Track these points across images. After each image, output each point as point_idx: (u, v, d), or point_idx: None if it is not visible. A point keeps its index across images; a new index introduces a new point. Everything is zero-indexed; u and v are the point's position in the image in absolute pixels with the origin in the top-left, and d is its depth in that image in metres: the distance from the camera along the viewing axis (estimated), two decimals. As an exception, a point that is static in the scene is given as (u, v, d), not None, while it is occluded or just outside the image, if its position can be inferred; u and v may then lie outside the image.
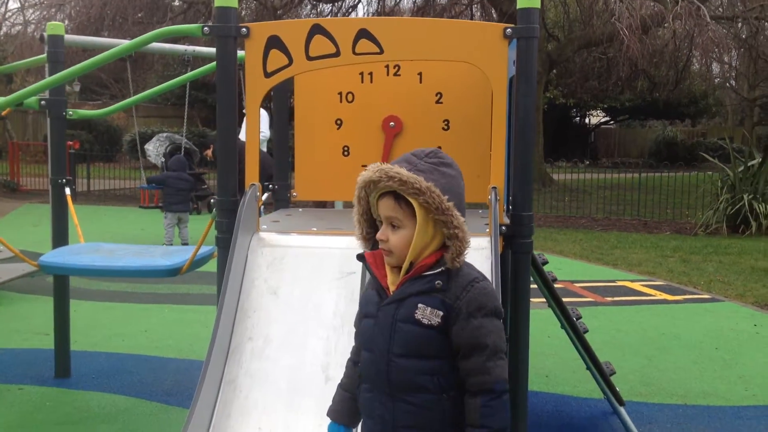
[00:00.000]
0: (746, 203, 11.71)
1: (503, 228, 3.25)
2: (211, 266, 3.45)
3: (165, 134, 13.12)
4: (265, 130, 9.57)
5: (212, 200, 3.38)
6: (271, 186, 4.37)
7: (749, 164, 12.20)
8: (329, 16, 19.80)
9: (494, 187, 3.24)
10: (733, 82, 35.65)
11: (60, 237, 4.40)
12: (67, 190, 4.43)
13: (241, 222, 3.09)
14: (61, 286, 4.54)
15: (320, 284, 3.08)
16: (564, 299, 6.70)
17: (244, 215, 3.11)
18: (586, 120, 37.96)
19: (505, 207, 3.66)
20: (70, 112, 4.49)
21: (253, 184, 3.27)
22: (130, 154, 18.81)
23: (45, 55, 4.46)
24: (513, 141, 3.53)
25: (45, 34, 4.42)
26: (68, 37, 4.63)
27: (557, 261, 9.06)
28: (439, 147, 4.13)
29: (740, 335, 5.78)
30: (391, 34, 3.28)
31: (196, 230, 9.87)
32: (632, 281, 7.88)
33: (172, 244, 9.61)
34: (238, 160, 3.35)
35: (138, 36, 3.66)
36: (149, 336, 5.43)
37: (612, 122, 37.74)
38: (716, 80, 34.30)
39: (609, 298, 6.98)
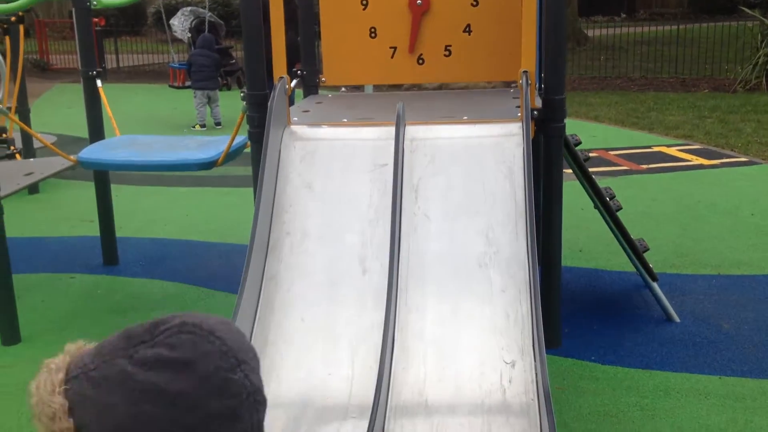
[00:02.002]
0: (787, 57, 11.34)
1: (535, 113, 3.22)
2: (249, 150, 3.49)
3: (189, 8, 12.87)
4: None
5: (243, 93, 3.39)
6: (299, 72, 4.34)
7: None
8: None
9: (525, 71, 3.19)
10: None
11: (96, 131, 4.45)
12: (99, 82, 4.45)
13: (272, 117, 3.10)
14: (101, 176, 4.63)
15: (354, 177, 3.12)
16: (599, 168, 6.74)
17: (274, 110, 3.12)
18: (623, -31, 36.31)
19: (537, 87, 3.62)
20: (95, 2, 4.43)
21: (282, 77, 3.26)
22: (156, 26, 18.57)
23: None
24: (544, 22, 3.45)
25: None
26: None
27: (592, 127, 8.96)
28: (468, 25, 4.10)
29: (777, 200, 5.76)
30: None
31: (226, 107, 9.88)
32: (668, 146, 7.79)
33: (204, 125, 9.67)
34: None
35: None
36: (191, 220, 5.57)
37: (650, -30, 36.05)
38: None
39: (644, 166, 6.94)
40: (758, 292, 4.08)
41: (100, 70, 4.46)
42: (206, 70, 9.68)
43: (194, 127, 9.74)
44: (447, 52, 4.17)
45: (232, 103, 9.34)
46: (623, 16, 29.77)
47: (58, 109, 11.45)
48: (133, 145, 4.00)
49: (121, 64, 17.76)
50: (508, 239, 2.91)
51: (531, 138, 3.12)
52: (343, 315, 2.82)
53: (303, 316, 2.84)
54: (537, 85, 3.61)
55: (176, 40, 12.92)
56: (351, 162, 3.17)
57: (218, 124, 9.79)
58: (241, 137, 3.93)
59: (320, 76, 4.30)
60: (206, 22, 11.82)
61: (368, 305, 2.82)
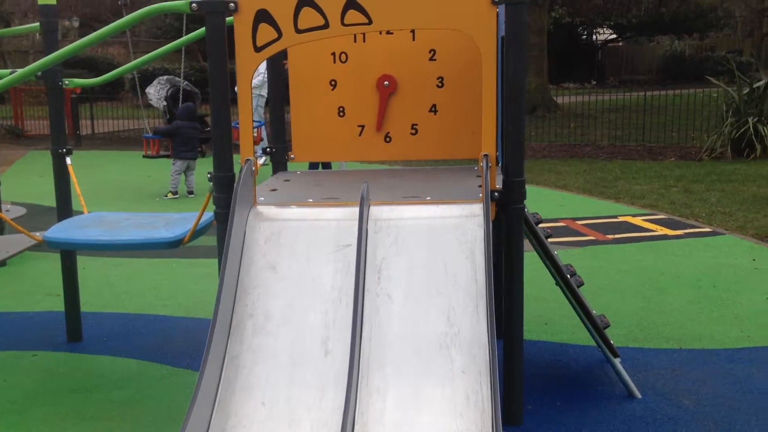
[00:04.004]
0: (751, 126, 11.65)
1: (495, 194, 3.31)
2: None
3: (165, 77, 13.01)
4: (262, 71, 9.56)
5: (209, 174, 3.44)
6: (269, 149, 4.42)
7: (755, 86, 12.07)
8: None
9: (486, 155, 3.29)
10: (742, -7, 34.86)
11: (64, 208, 4.47)
12: (68, 160, 4.48)
13: (237, 198, 3.15)
14: (68, 251, 4.63)
15: (318, 257, 3.16)
16: (566, 238, 6.84)
17: (240, 192, 3.17)
18: (593, 38, 37.35)
19: (499, 164, 3.71)
20: (66, 82, 4.50)
21: (248, 159, 3.33)
22: (133, 92, 18.71)
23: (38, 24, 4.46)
24: (504, 106, 3.56)
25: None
26: None
27: (560, 197, 9.12)
28: (434, 104, 4.22)
29: (738, 271, 5.87)
30: (379, 3, 3.28)
31: (201, 175, 9.92)
32: (634, 216, 7.94)
33: (177, 193, 9.71)
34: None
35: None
36: (158, 294, 5.56)
37: (619, 39, 37.14)
38: (725, -9, 33.56)
39: (610, 236, 7.05)
40: (719, 366, 4.13)
41: (70, 147, 4.49)
42: (193, 142, 9.78)
43: (166, 195, 9.77)
44: (413, 131, 4.28)
45: (207, 169, 9.39)
46: (593, 83, 30.52)
47: (30, 178, 11.45)
48: (100, 224, 4.02)
49: (96, 131, 17.84)
50: (469, 320, 2.95)
51: (492, 219, 3.20)
52: (305, 398, 2.83)
53: (264, 400, 2.85)
54: (499, 162, 3.71)
55: (150, 107, 13.01)
56: (315, 243, 3.21)
57: (191, 192, 9.83)
58: (209, 214, 3.97)
59: (289, 152, 4.38)
60: (181, 91, 11.98)
61: (330, 388, 2.84)
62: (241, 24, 3.29)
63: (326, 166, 8.59)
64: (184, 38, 4.77)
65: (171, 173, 9.83)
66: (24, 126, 18.35)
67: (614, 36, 36.70)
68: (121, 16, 3.97)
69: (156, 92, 12.84)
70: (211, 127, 3.39)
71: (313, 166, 8.30)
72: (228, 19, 3.31)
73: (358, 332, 2.86)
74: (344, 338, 2.90)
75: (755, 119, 11.70)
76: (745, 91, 12.02)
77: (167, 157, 10.45)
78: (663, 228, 7.35)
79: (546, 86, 19.57)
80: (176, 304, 5.31)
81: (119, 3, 7.43)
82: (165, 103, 12.19)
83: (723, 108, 12.41)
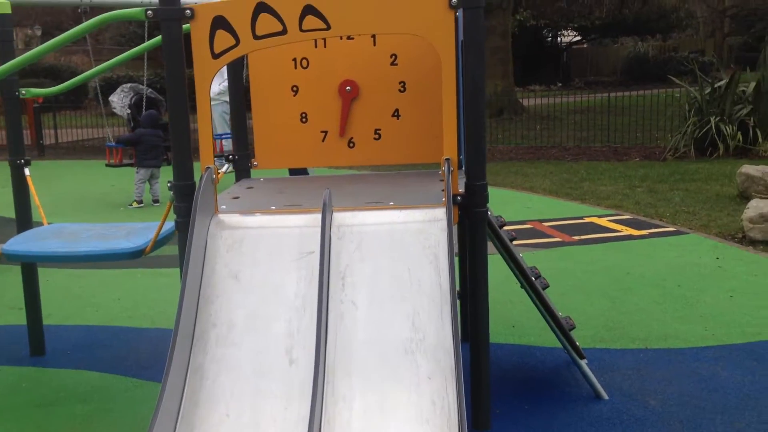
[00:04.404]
0: (713, 126, 11.80)
1: (458, 198, 3.30)
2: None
3: (129, 85, 12.88)
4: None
5: (170, 183, 3.40)
6: (231, 156, 4.38)
7: (716, 85, 12.23)
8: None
9: (447, 159, 3.28)
10: (703, -6, 35.40)
11: (24, 220, 4.39)
12: (27, 171, 4.41)
13: (197, 207, 3.11)
14: (28, 265, 4.55)
15: (280, 265, 3.13)
16: (533, 240, 6.88)
17: (200, 200, 3.13)
18: (558, 40, 37.69)
19: (462, 170, 3.71)
20: (23, 92, 4.43)
21: (208, 168, 3.29)
22: (97, 100, 18.50)
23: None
24: (464, 110, 3.56)
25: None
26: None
27: (527, 199, 9.17)
28: (397, 109, 4.21)
29: (703, 270, 5.93)
30: (337, 8, 3.26)
31: (164, 182, 9.84)
32: (600, 216, 8.00)
33: (142, 201, 9.60)
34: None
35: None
36: (122, 304, 5.48)
37: (583, 41, 37.52)
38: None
39: (576, 237, 7.10)
40: (684, 366, 4.16)
41: (28, 159, 4.42)
42: (157, 150, 9.68)
43: (131, 204, 9.66)
44: (377, 136, 4.27)
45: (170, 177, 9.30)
46: (559, 85, 30.79)
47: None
48: (60, 235, 3.96)
49: (60, 140, 17.60)
50: (434, 325, 2.94)
51: (454, 223, 3.19)
52: (270, 409, 2.80)
53: (229, 411, 2.81)
54: (462, 166, 3.71)
55: (113, 115, 12.90)
56: (278, 250, 3.18)
57: (156, 201, 9.73)
58: (171, 223, 3.92)
59: (252, 160, 4.34)
60: (145, 98, 11.86)
61: (295, 397, 2.81)
62: (198, 31, 3.25)
63: (302, 171, 8.48)
64: (143, 45, 4.71)
65: (135, 182, 9.72)
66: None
67: (578, 38, 37.06)
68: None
69: (120, 100, 12.70)
70: (171, 136, 3.35)
71: (294, 172, 8.20)
72: (185, 26, 3.27)
73: (323, 340, 2.84)
74: (309, 346, 2.88)
75: (717, 118, 11.86)
76: (707, 91, 12.18)
77: (131, 165, 10.35)
78: (628, 228, 7.41)
79: (512, 89, 19.70)
80: (140, 314, 5.24)
81: (79, 11, 7.36)
82: (129, 111, 12.06)
83: (686, 108, 12.57)
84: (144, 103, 11.63)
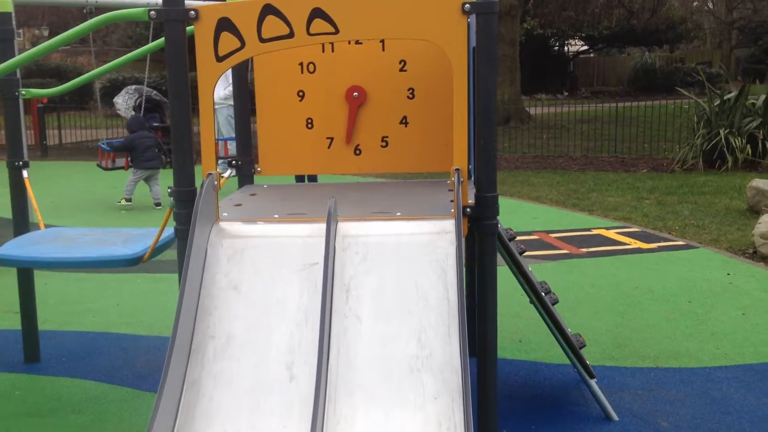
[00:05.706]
0: (722, 138, 11.68)
1: (468, 210, 3.20)
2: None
3: (134, 87, 12.85)
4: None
5: (170, 189, 3.30)
6: (234, 162, 4.28)
7: (725, 97, 12.11)
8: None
9: (458, 169, 3.17)
10: (711, 5, 35.36)
11: (21, 223, 4.29)
12: (25, 173, 4.31)
13: (198, 214, 3.00)
14: (24, 269, 4.45)
15: (283, 276, 3.01)
16: (540, 252, 6.76)
17: (201, 208, 3.03)
18: (565, 49, 37.61)
19: (472, 180, 3.60)
20: (23, 92, 4.33)
21: (210, 174, 3.18)
22: (102, 101, 18.47)
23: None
24: (475, 119, 3.45)
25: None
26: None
27: (533, 209, 9.05)
28: (405, 116, 4.11)
29: (713, 286, 5.81)
30: (346, 12, 3.15)
31: (166, 187, 9.75)
32: (608, 228, 7.88)
33: (131, 200, 9.56)
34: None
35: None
36: (120, 310, 5.37)
37: (591, 51, 37.44)
38: (694, 3, 34.03)
39: (584, 249, 6.98)
40: (695, 386, 4.04)
41: (26, 160, 4.32)
42: (152, 151, 9.61)
43: (119, 201, 9.63)
44: (384, 143, 4.16)
45: (171, 182, 9.22)
46: (566, 94, 30.71)
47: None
48: (56, 240, 3.85)
49: (64, 140, 17.52)
50: (441, 342, 2.82)
51: (464, 235, 3.08)
52: (269, 426, 2.68)
53: (226, 428, 2.70)
54: (472, 176, 3.60)
55: (113, 115, 12.88)
56: (280, 261, 3.07)
57: (158, 204, 9.62)
58: (170, 230, 3.82)
59: (256, 165, 4.24)
60: (148, 100, 11.82)
61: (295, 415, 2.70)
62: (202, 33, 3.15)
63: (312, 178, 8.34)
64: (147, 47, 4.61)
65: (128, 181, 9.67)
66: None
67: (586, 47, 36.98)
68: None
69: (124, 102, 12.67)
70: (172, 142, 3.24)
71: (300, 179, 8.10)
72: (189, 27, 3.17)
73: (325, 356, 2.72)
74: (310, 362, 2.76)
75: (726, 131, 11.73)
76: (716, 103, 12.05)
77: (121, 169, 10.42)
78: (636, 241, 7.29)
79: (519, 97, 19.59)
80: (139, 321, 5.13)
81: (84, 11, 7.29)
82: (133, 113, 12.00)
83: (694, 120, 12.45)
84: (142, 105, 11.62)
